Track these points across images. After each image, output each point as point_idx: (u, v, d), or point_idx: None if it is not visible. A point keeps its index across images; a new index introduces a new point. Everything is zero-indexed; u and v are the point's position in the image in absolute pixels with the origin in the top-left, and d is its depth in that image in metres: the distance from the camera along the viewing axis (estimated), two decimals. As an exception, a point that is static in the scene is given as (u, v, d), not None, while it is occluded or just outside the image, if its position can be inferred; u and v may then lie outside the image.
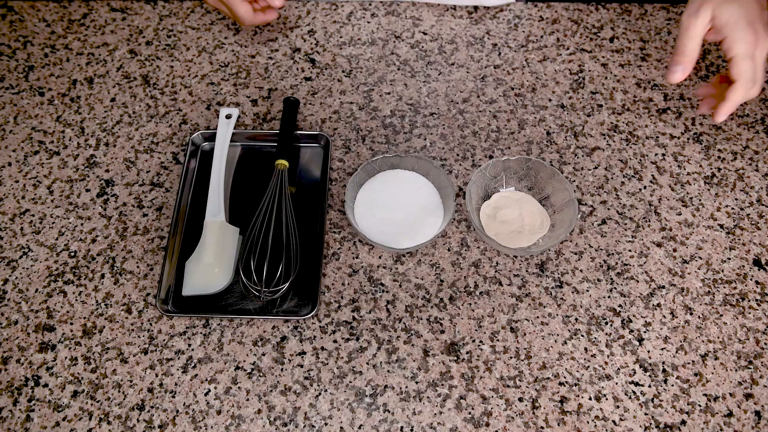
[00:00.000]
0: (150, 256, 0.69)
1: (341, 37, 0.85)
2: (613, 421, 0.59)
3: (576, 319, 0.65)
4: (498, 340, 0.63)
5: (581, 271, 0.67)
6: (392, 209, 0.69)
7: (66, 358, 0.63)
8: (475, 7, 0.87)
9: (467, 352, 0.63)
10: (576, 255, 0.68)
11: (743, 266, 0.68)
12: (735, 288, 0.66)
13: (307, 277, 0.67)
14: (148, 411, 0.60)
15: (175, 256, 0.68)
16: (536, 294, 0.66)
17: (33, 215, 0.72)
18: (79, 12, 0.88)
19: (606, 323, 0.64)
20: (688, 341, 0.64)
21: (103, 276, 0.67)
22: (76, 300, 0.66)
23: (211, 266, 0.66)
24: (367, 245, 0.69)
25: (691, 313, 0.65)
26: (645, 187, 0.73)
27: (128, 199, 0.73)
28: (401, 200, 0.70)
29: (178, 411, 0.60)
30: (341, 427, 0.59)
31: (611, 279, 0.67)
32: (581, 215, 0.71)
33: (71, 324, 0.65)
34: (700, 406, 0.60)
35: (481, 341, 0.63)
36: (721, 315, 0.65)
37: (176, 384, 0.61)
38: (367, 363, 0.62)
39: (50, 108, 0.80)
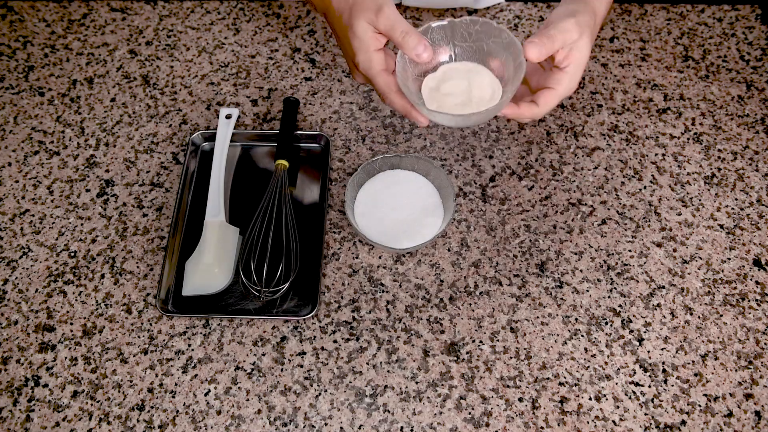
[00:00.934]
0: (150, 256, 0.69)
1: (341, 37, 0.85)
2: (613, 422, 0.59)
3: (576, 319, 0.65)
4: (498, 340, 0.63)
5: (581, 271, 0.67)
6: (392, 209, 0.69)
7: (66, 358, 0.63)
8: (475, 9, 0.87)
9: (467, 352, 0.63)
10: (576, 255, 0.68)
11: (743, 266, 0.68)
12: (735, 288, 0.66)
13: (307, 277, 0.67)
14: (148, 411, 0.60)
15: (175, 256, 0.68)
16: (536, 294, 0.66)
17: (33, 215, 0.72)
18: (79, 12, 0.88)
19: (606, 323, 0.64)
20: (688, 341, 0.64)
21: (103, 276, 0.67)
22: (76, 300, 0.66)
23: (211, 266, 0.66)
24: (367, 245, 0.69)
25: (691, 313, 0.65)
26: (645, 187, 0.73)
27: (128, 199, 0.73)
28: (401, 200, 0.70)
29: (178, 411, 0.60)
30: (341, 428, 0.59)
31: (611, 279, 0.67)
32: (581, 215, 0.71)
33: (71, 324, 0.65)
34: (700, 406, 0.60)
35: (481, 341, 0.63)
36: (721, 315, 0.65)
37: (176, 384, 0.61)
38: (367, 363, 0.62)
39: (50, 108, 0.80)
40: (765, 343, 0.63)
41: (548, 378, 0.61)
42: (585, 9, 0.60)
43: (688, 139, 0.76)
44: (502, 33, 0.60)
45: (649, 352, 0.63)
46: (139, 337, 0.64)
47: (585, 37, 0.58)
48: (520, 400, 0.60)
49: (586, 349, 0.63)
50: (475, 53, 0.63)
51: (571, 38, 0.57)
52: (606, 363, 0.62)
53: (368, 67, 0.59)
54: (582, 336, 0.64)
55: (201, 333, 0.64)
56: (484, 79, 0.63)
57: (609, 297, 0.66)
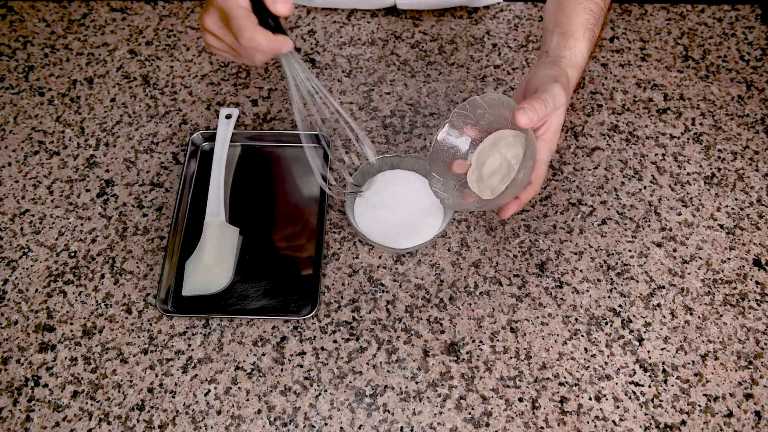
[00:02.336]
0: (150, 256, 0.69)
1: (341, 37, 0.85)
2: (613, 422, 0.59)
3: (576, 319, 0.65)
4: (498, 340, 0.63)
5: (581, 271, 0.67)
6: (392, 209, 0.69)
7: (66, 358, 0.63)
8: (475, 8, 0.87)
9: (467, 352, 0.63)
10: (576, 255, 0.68)
11: (743, 266, 0.68)
12: (735, 288, 0.66)
13: (307, 277, 0.67)
14: (148, 411, 0.60)
15: (175, 256, 0.68)
16: (536, 294, 0.66)
17: (33, 215, 0.72)
18: (79, 12, 0.88)
19: (606, 323, 0.64)
20: (688, 341, 0.64)
21: (103, 276, 0.67)
22: (76, 300, 0.66)
23: (211, 266, 0.66)
24: (367, 245, 0.69)
25: (691, 313, 0.65)
26: (645, 187, 0.73)
27: (128, 199, 0.73)
28: (401, 200, 0.70)
29: (178, 411, 0.60)
30: (341, 428, 0.59)
31: (611, 279, 0.67)
32: (581, 215, 0.71)
33: (71, 324, 0.65)
34: (700, 406, 0.60)
35: (481, 341, 0.63)
36: (721, 315, 0.65)
37: (176, 384, 0.61)
38: (367, 363, 0.62)
39: (50, 108, 0.80)
40: (765, 343, 0.63)
41: (548, 378, 0.61)
42: (561, 74, 0.58)
43: (688, 139, 0.76)
44: (504, 102, 0.59)
45: (649, 352, 0.63)
46: (139, 337, 0.64)
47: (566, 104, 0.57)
48: (520, 400, 0.60)
49: (586, 349, 0.63)
50: (492, 123, 0.62)
51: (560, 102, 0.55)
52: (606, 363, 0.62)
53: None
54: (582, 336, 0.64)
55: (201, 333, 0.64)
56: (507, 138, 0.61)
57: (609, 297, 0.66)
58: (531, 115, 0.53)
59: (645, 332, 0.64)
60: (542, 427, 0.59)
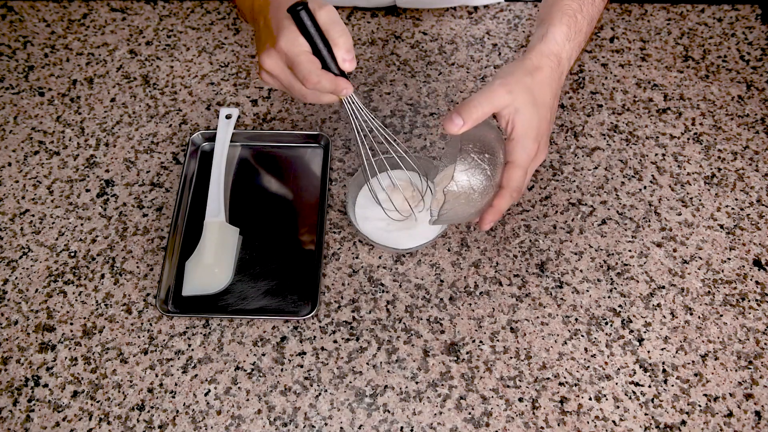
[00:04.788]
0: (150, 256, 0.69)
1: (341, 37, 0.85)
2: (613, 422, 0.59)
3: (576, 319, 0.65)
4: (498, 341, 0.63)
5: (581, 271, 0.67)
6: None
7: (66, 358, 0.63)
8: (475, 8, 0.87)
9: (467, 352, 0.63)
10: (576, 255, 0.68)
11: (743, 266, 0.68)
12: (735, 288, 0.66)
13: (307, 277, 0.67)
14: (148, 411, 0.60)
15: (175, 256, 0.68)
16: (536, 294, 0.66)
17: (33, 215, 0.72)
18: (79, 12, 0.88)
19: (606, 323, 0.64)
20: (688, 341, 0.63)
21: (103, 276, 0.67)
22: (76, 300, 0.66)
23: (211, 266, 0.66)
24: (367, 245, 0.69)
25: (691, 314, 0.65)
26: (645, 187, 0.73)
27: (128, 199, 0.73)
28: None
29: (178, 411, 0.60)
30: (341, 428, 0.59)
31: (611, 279, 0.67)
32: (581, 215, 0.71)
33: (71, 324, 0.65)
34: (700, 406, 0.60)
35: (481, 341, 0.63)
36: (721, 315, 0.65)
37: (176, 384, 0.61)
38: (367, 363, 0.62)
39: (50, 108, 0.80)
40: (765, 343, 0.63)
41: (548, 378, 0.61)
42: (519, 68, 0.57)
43: (688, 139, 0.76)
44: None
45: (649, 352, 0.63)
46: (139, 337, 0.64)
47: (520, 98, 0.55)
48: (520, 400, 0.60)
49: (586, 349, 0.63)
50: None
51: (501, 103, 0.55)
52: (606, 363, 0.62)
53: (292, 46, 0.54)
54: (582, 336, 0.64)
55: (201, 333, 0.64)
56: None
57: (609, 297, 0.66)
58: (454, 121, 0.54)
59: (645, 332, 0.64)
60: (542, 427, 0.59)
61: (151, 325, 0.65)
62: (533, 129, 0.56)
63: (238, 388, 0.61)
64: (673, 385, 0.61)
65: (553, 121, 0.60)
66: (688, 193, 0.72)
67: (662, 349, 0.63)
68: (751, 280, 0.67)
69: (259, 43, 0.60)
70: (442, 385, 0.61)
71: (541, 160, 0.59)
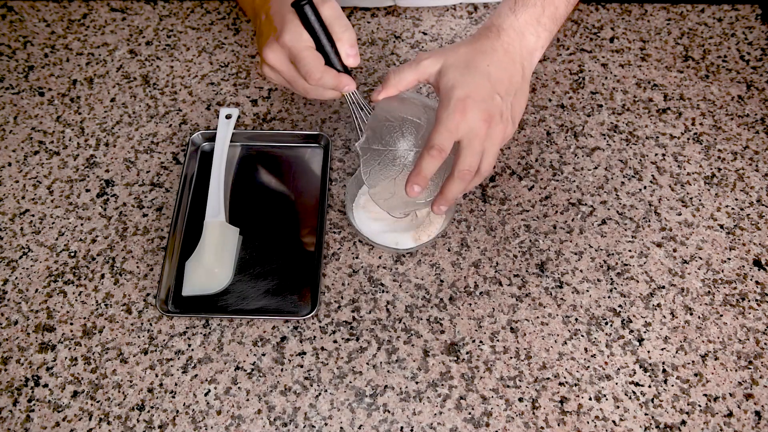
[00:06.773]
0: (150, 256, 0.69)
1: (341, 37, 0.85)
2: (613, 422, 0.59)
3: (576, 319, 0.65)
4: (498, 340, 0.63)
5: (581, 271, 0.67)
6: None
7: (66, 358, 0.63)
8: (475, 8, 0.87)
9: (467, 353, 0.63)
10: (576, 255, 0.68)
11: (743, 266, 0.68)
12: (735, 288, 0.66)
13: (307, 277, 0.67)
14: (148, 411, 0.60)
15: (175, 256, 0.68)
16: (536, 294, 0.66)
17: (33, 215, 0.72)
18: (79, 12, 0.88)
19: (606, 323, 0.64)
20: (688, 341, 0.64)
21: (103, 276, 0.67)
22: (76, 300, 0.66)
23: (211, 266, 0.66)
24: (367, 245, 0.69)
25: (691, 314, 0.65)
26: (645, 187, 0.73)
27: (128, 199, 0.73)
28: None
29: (178, 411, 0.60)
30: (341, 428, 0.59)
31: (611, 279, 0.67)
32: (581, 215, 0.71)
33: (71, 324, 0.65)
34: (700, 406, 0.60)
35: (481, 341, 0.63)
36: (721, 315, 0.65)
37: (176, 384, 0.61)
38: (367, 363, 0.62)
39: (50, 108, 0.80)
40: (765, 343, 0.63)
41: (548, 378, 0.61)
42: (460, 42, 0.59)
43: (688, 139, 0.76)
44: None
45: (649, 352, 0.63)
46: (139, 337, 0.64)
47: (448, 62, 0.56)
48: (520, 400, 0.60)
49: (586, 349, 0.63)
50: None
51: (426, 70, 0.56)
52: (606, 363, 0.62)
53: (296, 41, 0.54)
54: (582, 336, 0.64)
55: (201, 333, 0.64)
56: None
57: (609, 297, 0.66)
58: (379, 88, 0.57)
59: (645, 332, 0.64)
60: (542, 427, 0.59)
61: (151, 325, 0.65)
62: (460, 89, 0.55)
63: (238, 388, 0.61)
64: (673, 385, 0.61)
65: (508, 95, 0.58)
66: (688, 193, 0.72)
67: (662, 349, 0.63)
68: (751, 280, 0.67)
69: (260, 38, 0.60)
70: (442, 385, 0.61)
71: (498, 137, 0.57)
